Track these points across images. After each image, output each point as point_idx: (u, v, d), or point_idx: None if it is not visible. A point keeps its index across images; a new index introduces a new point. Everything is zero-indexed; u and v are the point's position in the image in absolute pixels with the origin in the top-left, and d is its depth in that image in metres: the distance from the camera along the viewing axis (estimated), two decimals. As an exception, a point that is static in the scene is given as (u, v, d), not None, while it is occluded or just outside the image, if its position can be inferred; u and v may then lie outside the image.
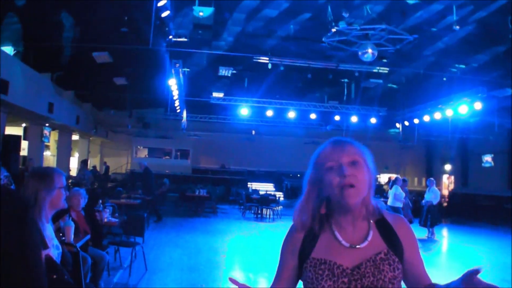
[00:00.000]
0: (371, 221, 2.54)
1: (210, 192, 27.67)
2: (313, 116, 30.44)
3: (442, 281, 2.45)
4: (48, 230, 4.17)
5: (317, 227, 2.55)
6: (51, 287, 3.70)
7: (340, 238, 2.49)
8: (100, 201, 11.84)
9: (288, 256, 2.61)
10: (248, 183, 31.52)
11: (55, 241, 4.22)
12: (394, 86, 26.09)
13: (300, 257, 2.54)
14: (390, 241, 2.49)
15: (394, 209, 19.17)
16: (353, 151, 2.50)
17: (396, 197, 19.35)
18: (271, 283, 2.69)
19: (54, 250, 4.10)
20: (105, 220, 11.14)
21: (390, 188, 19.95)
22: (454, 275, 2.21)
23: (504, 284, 12.45)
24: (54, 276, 3.81)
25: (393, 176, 25.39)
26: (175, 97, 25.71)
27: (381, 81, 24.78)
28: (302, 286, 2.56)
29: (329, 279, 2.40)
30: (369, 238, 2.48)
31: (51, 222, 4.31)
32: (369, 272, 2.38)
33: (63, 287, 3.85)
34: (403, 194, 19.58)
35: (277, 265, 2.68)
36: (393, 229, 2.53)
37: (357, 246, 2.46)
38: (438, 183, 26.95)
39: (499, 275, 13.67)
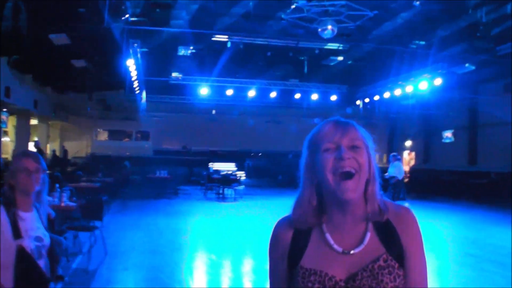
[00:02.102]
0: (369, 221, 2.12)
1: (172, 174, 27.52)
2: (273, 94, 30.37)
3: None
4: (30, 220, 4.00)
5: (311, 222, 2.15)
6: (23, 278, 3.70)
7: (332, 242, 2.09)
8: (58, 185, 11.58)
9: (279, 261, 2.19)
10: (210, 163, 31.43)
11: (37, 233, 4.03)
12: (355, 63, 26.07)
13: (289, 263, 2.15)
14: (388, 242, 2.08)
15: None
16: (356, 134, 2.14)
17: None
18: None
19: (31, 241, 3.92)
20: (63, 204, 10.92)
21: None
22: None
23: (466, 258, 12.61)
24: (25, 267, 3.76)
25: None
26: (134, 78, 25.42)
27: (341, 58, 24.78)
28: None
29: None
30: (365, 242, 2.07)
31: (39, 211, 4.16)
32: (366, 285, 1.98)
33: (35, 278, 3.80)
34: None
35: (268, 272, 2.27)
36: (393, 226, 2.11)
37: (351, 252, 2.06)
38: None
39: (461, 248, 13.87)
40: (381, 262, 2.01)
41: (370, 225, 2.11)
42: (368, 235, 2.08)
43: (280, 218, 2.27)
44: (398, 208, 2.18)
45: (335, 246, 2.08)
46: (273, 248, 2.24)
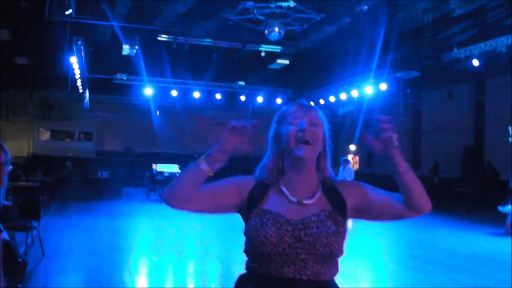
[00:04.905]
0: (320, 183, 2.65)
1: (114, 175, 27.18)
2: (218, 96, 30.19)
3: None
4: None
5: (272, 179, 2.66)
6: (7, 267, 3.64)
7: (287, 193, 2.59)
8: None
9: (233, 187, 2.69)
10: (153, 164, 31.06)
11: None
12: (300, 66, 26.08)
13: (248, 206, 2.60)
14: (334, 201, 2.60)
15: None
16: (316, 115, 2.66)
17: None
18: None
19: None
20: (-3, 203, 10.59)
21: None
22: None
23: (412, 260, 12.67)
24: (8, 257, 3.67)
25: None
26: (77, 76, 24.99)
27: (287, 61, 24.75)
28: (246, 236, 2.57)
29: (273, 226, 2.46)
30: (316, 197, 2.59)
31: None
32: (313, 224, 2.48)
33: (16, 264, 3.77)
34: None
35: (219, 181, 2.77)
36: (338, 191, 2.66)
37: (304, 202, 2.55)
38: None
39: (407, 251, 13.98)
40: (326, 212, 2.54)
41: (320, 187, 2.64)
42: (319, 193, 2.62)
43: None
44: (347, 181, 2.84)
45: (291, 197, 2.58)
46: (238, 178, 2.75)
